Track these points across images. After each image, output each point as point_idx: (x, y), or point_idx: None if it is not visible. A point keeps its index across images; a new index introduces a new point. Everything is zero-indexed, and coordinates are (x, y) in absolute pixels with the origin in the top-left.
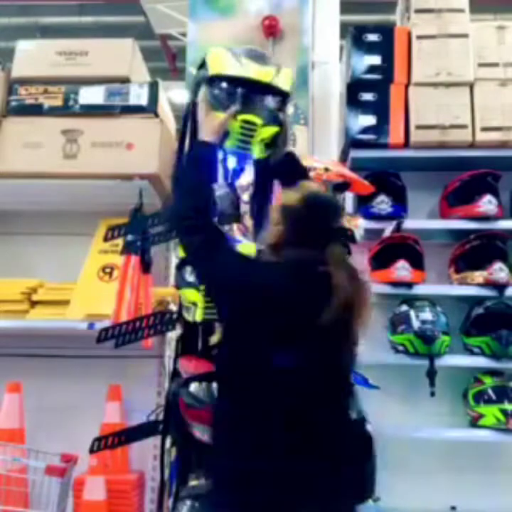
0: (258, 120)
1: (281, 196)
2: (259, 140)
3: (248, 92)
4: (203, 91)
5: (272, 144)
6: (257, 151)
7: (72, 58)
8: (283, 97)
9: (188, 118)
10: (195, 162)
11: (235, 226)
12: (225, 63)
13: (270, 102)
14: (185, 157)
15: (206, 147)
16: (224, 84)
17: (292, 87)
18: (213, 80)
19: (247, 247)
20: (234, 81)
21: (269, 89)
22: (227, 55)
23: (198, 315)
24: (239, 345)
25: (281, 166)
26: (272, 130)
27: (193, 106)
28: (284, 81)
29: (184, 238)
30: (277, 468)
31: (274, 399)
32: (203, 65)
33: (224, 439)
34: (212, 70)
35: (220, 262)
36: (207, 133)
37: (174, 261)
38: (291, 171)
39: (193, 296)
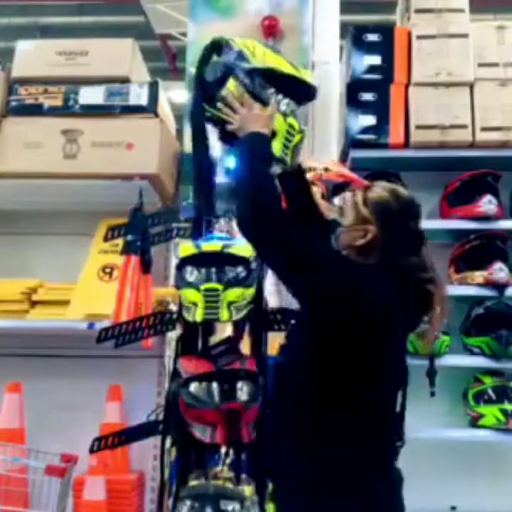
0: (297, 125)
1: (361, 193)
2: (292, 147)
3: (293, 94)
4: (238, 80)
5: None
6: (290, 158)
7: (72, 58)
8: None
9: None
10: (268, 159)
11: (235, 225)
12: (276, 59)
13: (293, 106)
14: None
15: (268, 142)
16: (272, 81)
17: None
18: (256, 73)
19: (247, 247)
20: (282, 78)
21: (307, 92)
22: (270, 50)
23: (198, 315)
24: (335, 360)
25: (287, 178)
26: (299, 137)
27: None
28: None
29: (274, 233)
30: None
31: (372, 414)
32: (211, 52)
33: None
34: (263, 62)
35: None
36: (255, 124)
37: (174, 261)
38: (296, 182)
39: (193, 296)
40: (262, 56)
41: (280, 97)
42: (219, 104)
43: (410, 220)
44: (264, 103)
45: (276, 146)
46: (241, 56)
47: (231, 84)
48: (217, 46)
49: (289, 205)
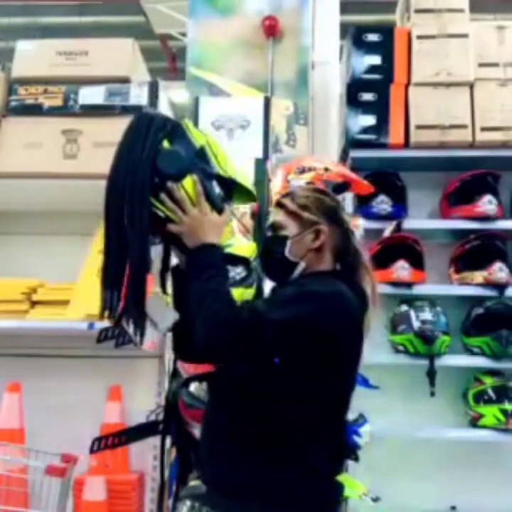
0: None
1: (289, 202)
2: None
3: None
4: (197, 179)
5: None
6: None
7: (72, 58)
8: None
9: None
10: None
11: (235, 226)
12: (235, 167)
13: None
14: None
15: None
16: (225, 187)
17: None
18: (216, 178)
19: (247, 247)
20: (234, 187)
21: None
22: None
23: None
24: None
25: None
26: None
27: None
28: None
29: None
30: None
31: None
32: (163, 135)
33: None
34: (225, 170)
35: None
36: (209, 233)
37: (174, 261)
38: None
39: None
40: (224, 162)
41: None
42: (163, 196)
43: (341, 210)
44: (219, 210)
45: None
46: (203, 155)
47: (188, 181)
48: (170, 129)
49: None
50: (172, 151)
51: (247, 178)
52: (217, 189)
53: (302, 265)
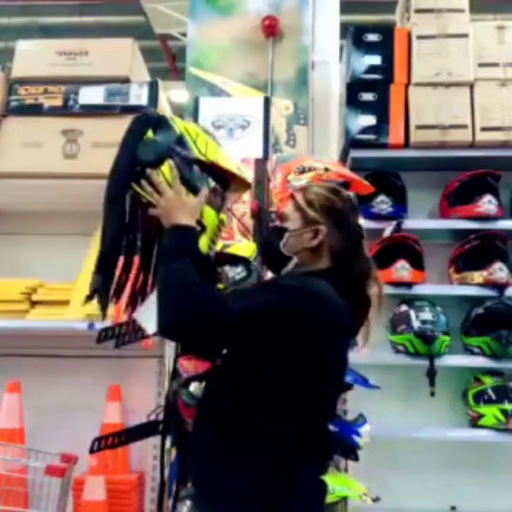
0: (227, 221)
1: (300, 196)
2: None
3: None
4: (174, 164)
5: None
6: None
7: (72, 58)
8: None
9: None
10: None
11: (235, 225)
12: (217, 151)
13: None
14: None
15: (195, 236)
16: (213, 176)
17: None
18: (195, 163)
19: (247, 247)
20: (220, 172)
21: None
22: (212, 140)
23: None
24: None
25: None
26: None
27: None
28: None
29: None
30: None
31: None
32: (147, 126)
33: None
34: (206, 155)
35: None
36: (180, 212)
37: None
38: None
39: None
40: (205, 148)
41: (218, 188)
42: (143, 182)
43: (352, 214)
44: (195, 191)
45: (204, 242)
46: (181, 142)
47: (166, 166)
48: (155, 121)
49: None
50: (151, 140)
51: (231, 162)
52: (197, 173)
53: (295, 261)
